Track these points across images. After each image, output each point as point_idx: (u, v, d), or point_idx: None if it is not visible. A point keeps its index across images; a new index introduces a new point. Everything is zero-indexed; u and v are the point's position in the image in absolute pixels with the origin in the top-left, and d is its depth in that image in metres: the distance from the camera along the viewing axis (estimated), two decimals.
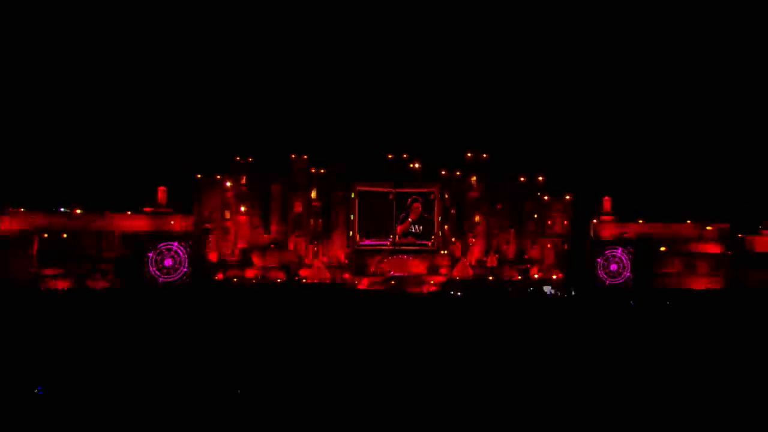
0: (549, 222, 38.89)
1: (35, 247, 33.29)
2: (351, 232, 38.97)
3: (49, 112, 35.27)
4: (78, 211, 34.31)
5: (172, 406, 10.16)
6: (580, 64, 38.71)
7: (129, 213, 35.34)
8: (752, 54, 34.93)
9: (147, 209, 35.85)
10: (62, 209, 34.39)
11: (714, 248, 35.75)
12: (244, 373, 12.38)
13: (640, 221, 36.52)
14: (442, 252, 39.03)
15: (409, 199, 39.35)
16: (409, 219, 39.28)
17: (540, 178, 38.90)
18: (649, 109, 38.12)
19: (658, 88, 37.79)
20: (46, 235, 33.75)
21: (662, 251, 35.74)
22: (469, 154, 39.59)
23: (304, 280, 35.60)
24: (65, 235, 34.08)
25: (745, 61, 35.00)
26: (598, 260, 35.91)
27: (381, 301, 30.47)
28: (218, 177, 37.34)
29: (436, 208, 39.40)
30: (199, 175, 36.79)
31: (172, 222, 36.05)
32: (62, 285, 33.07)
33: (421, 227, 39.56)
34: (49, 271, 33.18)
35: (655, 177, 37.07)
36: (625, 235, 36.46)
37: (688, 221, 35.88)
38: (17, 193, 33.44)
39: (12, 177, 33.27)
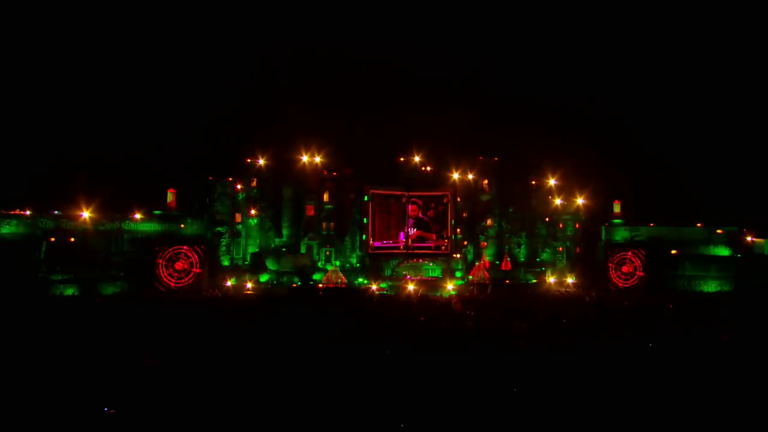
0: (561, 225, 39.14)
1: (43, 251, 32.28)
2: (364, 236, 38.65)
3: (58, 114, 34.24)
4: (86, 214, 33.35)
5: (184, 417, 9.75)
6: (591, 67, 39.08)
7: (139, 216, 34.49)
8: (761, 63, 35.71)
9: (157, 212, 35.15)
10: (57, 212, 33.30)
11: (723, 251, 36.37)
12: (266, 382, 11.90)
13: (651, 224, 36.98)
14: (455, 255, 38.96)
15: (404, 200, 39.19)
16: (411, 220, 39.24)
17: (552, 182, 39.13)
18: (659, 113, 38.68)
19: (668, 94, 38.37)
20: (53, 239, 32.76)
21: (673, 254, 36.20)
22: (480, 158, 39.67)
23: (320, 285, 35.10)
24: (73, 239, 33.11)
25: (756, 71, 35.77)
26: (611, 263, 36.29)
27: (402, 306, 30.25)
28: (230, 179, 36.66)
29: (449, 212, 39.38)
30: (210, 178, 36.06)
31: (183, 225, 35.36)
32: (71, 290, 32.08)
33: (421, 230, 39.40)
34: (57, 276, 32.17)
35: (665, 181, 37.56)
36: (636, 238, 36.91)
37: (698, 224, 36.44)
38: (24, 195, 32.44)
39: (18, 179, 32.21)
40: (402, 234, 39.30)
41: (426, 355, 16.05)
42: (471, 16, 38.88)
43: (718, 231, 36.33)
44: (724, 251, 36.43)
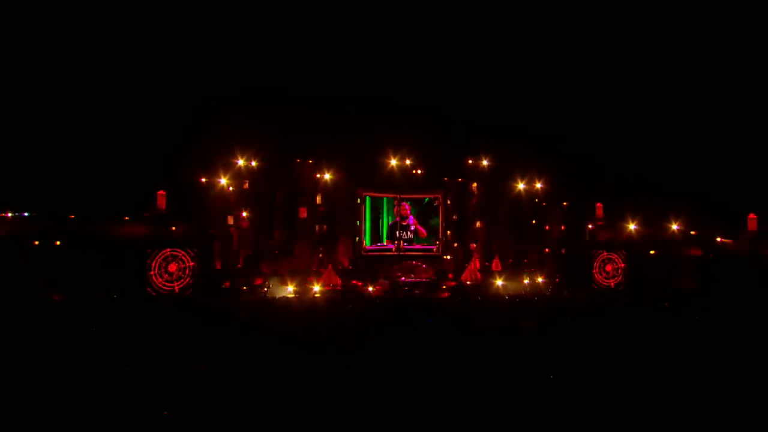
0: (547, 227, 40.66)
1: (26, 254, 30.68)
2: (357, 238, 38.86)
3: (40, 110, 32.63)
4: (72, 217, 31.96)
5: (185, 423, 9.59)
6: (573, 80, 40.88)
7: (127, 218, 33.36)
8: (731, 74, 38.45)
9: (146, 214, 34.10)
10: (41, 214, 31.79)
11: (696, 251, 38.82)
12: (269, 392, 11.72)
13: (631, 226, 39.00)
14: (446, 257, 39.78)
15: (396, 202, 39.83)
16: (396, 219, 39.81)
17: (538, 185, 40.63)
18: (639, 124, 40.96)
19: (647, 107, 40.73)
20: (37, 242, 31.24)
21: (651, 254, 38.35)
22: (470, 161, 40.68)
23: (316, 287, 35.00)
24: (58, 243, 31.65)
25: (732, 81, 38.48)
26: (595, 263, 38.09)
27: (402, 307, 30.68)
28: (222, 181, 36.07)
29: (441, 214, 40.16)
30: (203, 179, 35.37)
31: (174, 228, 34.42)
32: (56, 296, 30.62)
33: (411, 232, 40.16)
34: (41, 281, 30.65)
35: (644, 185, 39.76)
36: (618, 240, 38.86)
37: (674, 226, 38.77)
38: (3, 197, 30.71)
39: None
40: (396, 235, 39.79)
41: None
42: (466, 30, 39.95)
43: (692, 233, 38.76)
44: (697, 252, 38.87)
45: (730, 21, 38.31)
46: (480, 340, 19.74)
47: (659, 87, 41.82)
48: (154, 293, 32.43)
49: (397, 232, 39.86)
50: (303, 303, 32.67)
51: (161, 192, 34.89)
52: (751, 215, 40.28)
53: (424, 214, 40.63)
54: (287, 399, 11.32)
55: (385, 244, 39.68)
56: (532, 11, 39.79)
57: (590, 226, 39.35)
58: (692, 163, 39.94)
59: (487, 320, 25.51)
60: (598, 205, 39.93)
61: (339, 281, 35.94)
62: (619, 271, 37.97)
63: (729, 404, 10.94)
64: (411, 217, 40.21)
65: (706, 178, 39.90)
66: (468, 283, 36.88)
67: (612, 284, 37.79)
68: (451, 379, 13.40)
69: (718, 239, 38.95)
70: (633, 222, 39.04)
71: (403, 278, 37.39)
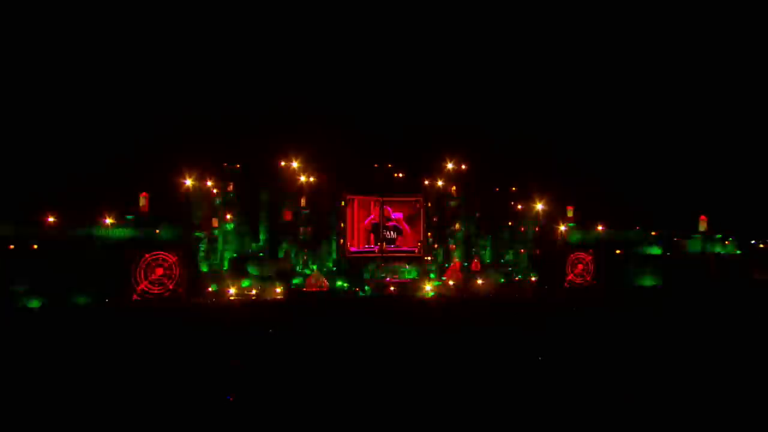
0: (522, 229, 42.62)
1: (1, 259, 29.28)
2: (342, 240, 39.35)
3: (16, 109, 31.19)
4: (50, 219, 30.76)
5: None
6: (548, 94, 43.18)
7: (110, 221, 32.42)
8: (691, 84, 41.89)
9: (129, 217, 33.27)
10: (18, 217, 30.48)
11: (656, 250, 41.94)
12: (265, 398, 11.97)
13: (600, 228, 41.62)
14: (427, 258, 40.91)
15: (378, 205, 40.71)
16: (372, 217, 40.62)
17: (513, 189, 42.57)
18: (604, 135, 43.86)
19: (612, 120, 43.67)
20: (12, 246, 29.86)
21: (618, 254, 41.09)
22: (449, 165, 42.05)
23: (304, 289, 35.27)
24: (36, 246, 30.38)
25: (683, 100, 41.87)
26: (567, 262, 40.39)
27: (390, 307, 31.63)
28: (207, 183, 35.70)
29: (421, 217, 41.28)
30: (189, 181, 34.86)
31: (158, 231, 33.75)
32: (34, 303, 29.36)
33: (393, 233, 41.17)
34: (19, 288, 29.31)
35: (609, 189, 42.59)
36: (587, 240, 41.36)
37: (637, 227, 41.74)
38: None
39: None
40: (379, 236, 40.57)
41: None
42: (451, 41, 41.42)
43: (653, 233, 41.86)
44: (657, 250, 42.01)
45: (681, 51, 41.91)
46: (474, 335, 21.05)
47: (625, 99, 44.97)
48: (139, 297, 31.72)
49: (380, 233, 40.62)
50: (292, 304, 33.02)
51: (144, 194, 34.21)
52: (702, 216, 44.07)
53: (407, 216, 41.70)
54: (290, 397, 11.69)
55: (368, 245, 40.39)
56: (513, 28, 41.82)
57: (562, 228, 41.66)
58: (652, 168, 43.23)
59: (474, 317, 26.90)
60: (569, 207, 42.38)
61: (325, 282, 36.34)
62: (589, 270, 40.40)
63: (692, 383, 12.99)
64: (395, 213, 41.14)
65: (665, 182, 43.32)
66: (450, 282, 38.19)
67: (582, 282, 40.13)
68: (448, 373, 14.34)
69: (675, 239, 42.29)
70: (601, 223, 41.68)
71: (387, 279, 38.23)
